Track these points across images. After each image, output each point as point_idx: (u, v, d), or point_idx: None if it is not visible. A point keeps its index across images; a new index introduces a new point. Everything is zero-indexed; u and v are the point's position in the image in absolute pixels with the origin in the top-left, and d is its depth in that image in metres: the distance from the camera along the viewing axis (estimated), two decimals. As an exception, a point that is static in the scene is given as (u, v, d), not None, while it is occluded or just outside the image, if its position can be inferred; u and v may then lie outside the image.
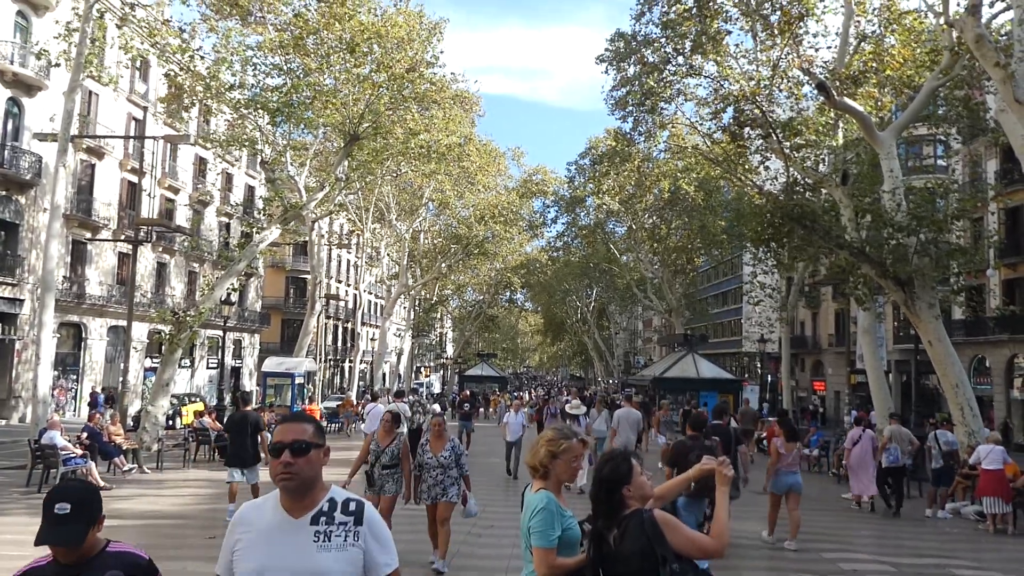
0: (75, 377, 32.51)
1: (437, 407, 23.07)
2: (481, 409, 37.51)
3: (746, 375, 53.36)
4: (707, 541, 3.40)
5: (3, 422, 27.61)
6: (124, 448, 16.88)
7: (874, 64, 20.27)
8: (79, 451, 14.73)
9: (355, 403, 32.63)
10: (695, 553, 3.33)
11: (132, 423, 22.24)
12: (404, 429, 14.61)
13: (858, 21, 20.80)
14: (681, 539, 3.27)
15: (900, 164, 19.64)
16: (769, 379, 44.32)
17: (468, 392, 32.89)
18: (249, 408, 14.49)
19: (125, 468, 16.27)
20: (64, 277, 30.52)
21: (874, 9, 20.82)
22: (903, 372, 37.06)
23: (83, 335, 32.88)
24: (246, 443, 11.62)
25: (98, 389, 32.04)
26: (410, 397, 25.37)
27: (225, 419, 16.85)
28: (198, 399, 33.89)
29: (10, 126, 28.28)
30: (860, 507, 14.53)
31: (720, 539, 3.39)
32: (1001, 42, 16.55)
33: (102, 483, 14.42)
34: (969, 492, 14.18)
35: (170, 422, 27.31)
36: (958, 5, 16.81)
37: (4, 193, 27.83)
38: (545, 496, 3.62)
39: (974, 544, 11.81)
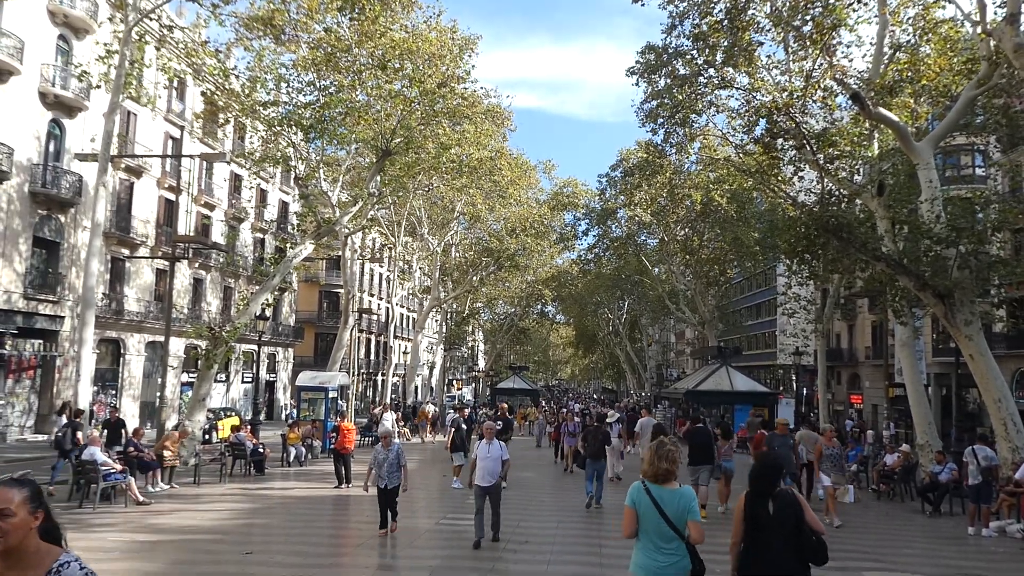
0: (114, 392, 33.02)
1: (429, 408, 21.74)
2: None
3: (781, 388, 52.67)
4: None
5: (45, 437, 28.11)
6: (166, 463, 17.04)
7: (910, 74, 20.00)
8: (119, 466, 14.94)
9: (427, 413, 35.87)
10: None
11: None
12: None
13: (892, 31, 20.56)
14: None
15: (938, 174, 19.33)
16: (804, 392, 43.74)
17: (505, 405, 27.66)
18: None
19: (156, 488, 16.13)
20: (103, 294, 31.06)
21: (909, 19, 20.57)
22: (943, 385, 36.34)
23: (121, 351, 33.41)
24: (464, 437, 17.72)
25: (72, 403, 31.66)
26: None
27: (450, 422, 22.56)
28: (234, 413, 34.26)
29: (52, 147, 28.93)
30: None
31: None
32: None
33: (141, 498, 14.63)
34: (1014, 510, 13.84)
35: (206, 436, 27.61)
36: (995, 14, 16.58)
37: (45, 212, 28.45)
38: (691, 488, 5.35)
39: (1020, 563, 11.51)
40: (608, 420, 21.25)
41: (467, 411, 26.66)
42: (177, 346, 35.40)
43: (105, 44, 19.88)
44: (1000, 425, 16.06)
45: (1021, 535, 13.00)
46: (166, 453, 17.14)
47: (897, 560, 11.26)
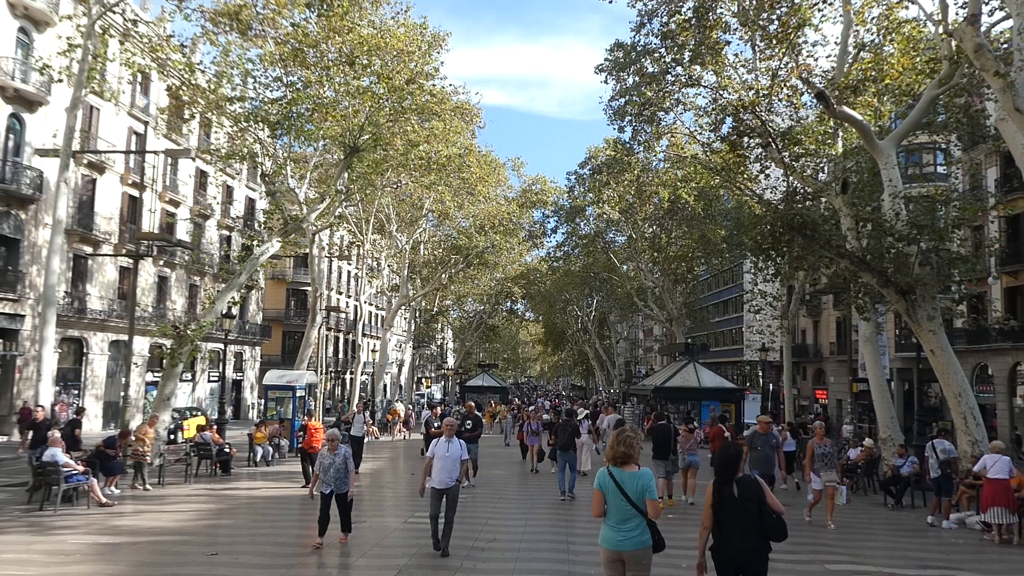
0: (76, 392, 32.44)
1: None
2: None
3: (748, 384, 53.23)
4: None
5: (4, 438, 27.54)
6: (140, 454, 16.79)
7: (873, 73, 20.31)
8: (80, 468, 14.67)
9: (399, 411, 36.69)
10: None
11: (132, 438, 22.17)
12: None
13: (857, 30, 20.85)
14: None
15: (900, 172, 19.63)
16: (771, 388, 44.26)
17: (472, 403, 22.82)
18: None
19: (112, 490, 15.61)
20: (65, 292, 30.49)
21: (873, 18, 20.88)
22: (905, 380, 36.99)
23: (84, 350, 32.83)
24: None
25: (31, 405, 30.32)
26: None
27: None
28: (199, 413, 33.85)
29: (11, 142, 28.31)
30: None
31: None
32: (1000, 51, 16.59)
33: (104, 500, 14.39)
34: (974, 502, 14.11)
35: (171, 436, 27.24)
36: (957, 14, 16.86)
37: (5, 208, 27.84)
38: (650, 470, 6.09)
39: (979, 555, 11.73)
40: (578, 417, 21.51)
41: (438, 409, 26.51)
42: (141, 345, 34.88)
43: (67, 38, 19.53)
44: (960, 419, 16.37)
45: (980, 527, 13.25)
46: (141, 447, 16.85)
47: (860, 553, 11.42)
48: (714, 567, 6.06)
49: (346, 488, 10.68)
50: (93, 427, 32.53)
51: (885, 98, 21.55)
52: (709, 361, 49.96)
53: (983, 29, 15.08)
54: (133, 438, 17.32)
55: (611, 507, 5.94)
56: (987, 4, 16.79)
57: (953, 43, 16.52)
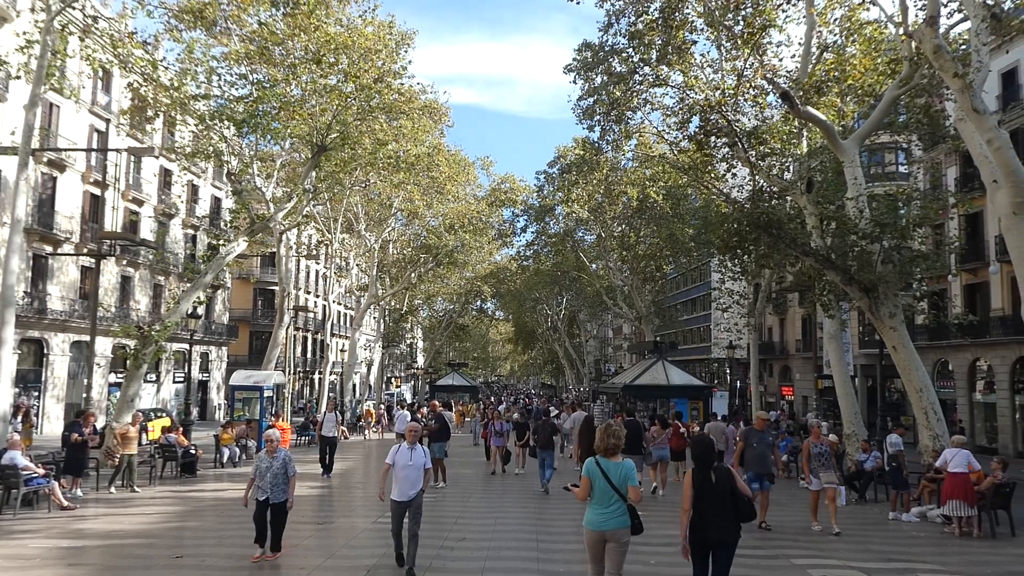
0: (37, 394, 31.84)
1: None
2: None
3: (716, 381, 53.71)
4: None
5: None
6: (116, 456, 16.57)
7: (836, 73, 20.60)
8: (41, 471, 14.40)
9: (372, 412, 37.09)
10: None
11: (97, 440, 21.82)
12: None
13: (820, 31, 21.13)
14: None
15: (863, 171, 19.94)
16: (738, 385, 44.71)
17: (437, 402, 23.88)
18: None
19: (76, 492, 15.43)
20: (24, 292, 29.92)
21: (835, 20, 21.19)
22: (869, 376, 37.55)
23: (45, 351, 32.23)
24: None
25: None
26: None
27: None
28: (165, 414, 33.40)
29: (-32, 139, 27.69)
30: None
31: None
32: (959, 52, 16.91)
33: (66, 503, 14.13)
34: (935, 496, 14.38)
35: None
36: (917, 16, 17.15)
37: (-38, 207, 27.24)
38: (632, 462, 6.98)
39: (940, 547, 11.95)
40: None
41: (424, 409, 26.38)
42: (104, 346, 34.33)
43: (25, 34, 19.09)
44: (922, 414, 16.66)
45: (941, 520, 13.50)
46: (126, 450, 16.60)
47: (825, 547, 11.58)
48: (689, 545, 6.81)
49: (284, 497, 9.79)
50: (55, 429, 31.95)
51: (848, 98, 21.86)
52: (678, 359, 50.44)
53: (942, 31, 15.36)
54: (98, 438, 17.08)
55: (596, 492, 6.72)
56: (946, 6, 17.11)
57: (913, 44, 16.81)
